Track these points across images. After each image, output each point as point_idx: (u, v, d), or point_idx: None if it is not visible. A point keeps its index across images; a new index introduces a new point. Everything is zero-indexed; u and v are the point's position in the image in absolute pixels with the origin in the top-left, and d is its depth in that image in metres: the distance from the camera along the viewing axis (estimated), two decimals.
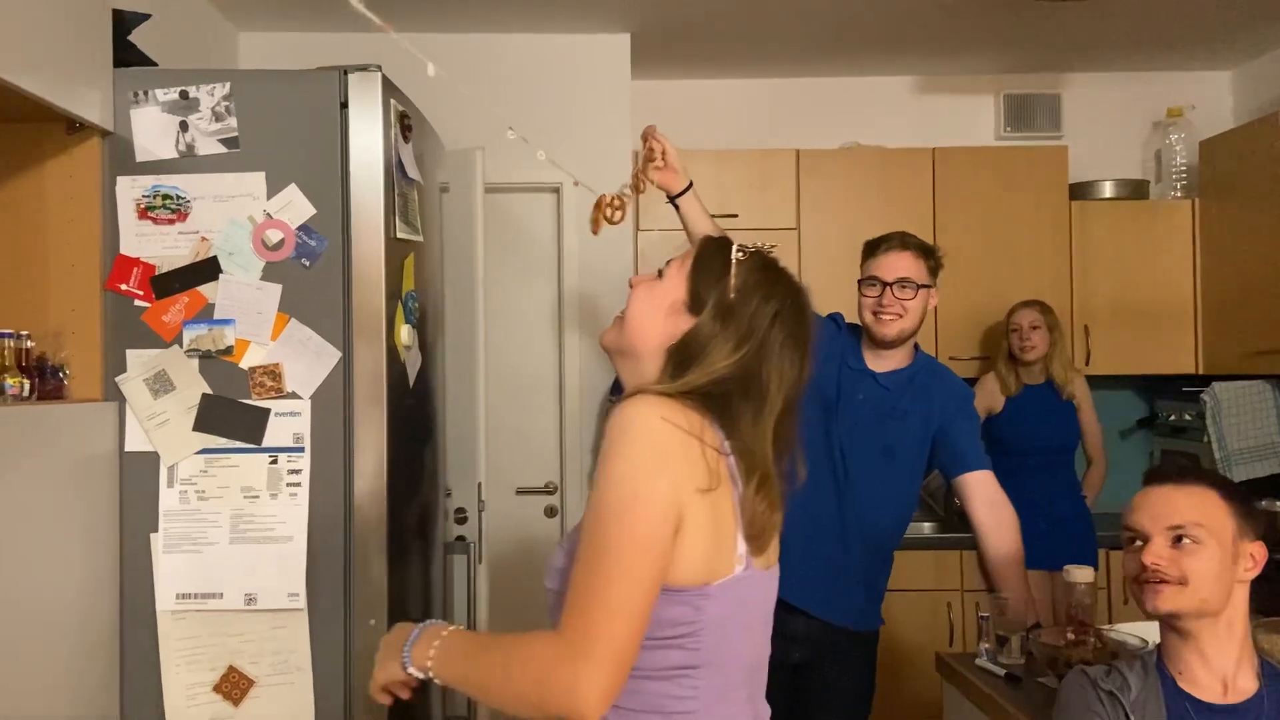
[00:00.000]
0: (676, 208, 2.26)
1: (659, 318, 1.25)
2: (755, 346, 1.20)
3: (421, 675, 1.19)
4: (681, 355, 1.22)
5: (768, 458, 1.21)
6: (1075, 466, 3.58)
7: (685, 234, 2.27)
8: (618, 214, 2.15)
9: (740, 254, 1.25)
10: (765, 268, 1.26)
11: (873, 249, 2.35)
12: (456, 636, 1.20)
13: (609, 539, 1.09)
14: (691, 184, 2.25)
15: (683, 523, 1.12)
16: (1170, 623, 1.50)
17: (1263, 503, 3.26)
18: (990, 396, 3.51)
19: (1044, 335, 3.45)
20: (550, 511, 3.66)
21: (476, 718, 2.70)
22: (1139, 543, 1.51)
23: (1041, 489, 3.34)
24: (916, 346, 2.40)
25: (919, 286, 2.27)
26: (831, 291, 3.56)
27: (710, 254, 1.27)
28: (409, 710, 1.94)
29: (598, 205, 2.17)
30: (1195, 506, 1.48)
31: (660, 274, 1.29)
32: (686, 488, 1.12)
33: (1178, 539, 1.47)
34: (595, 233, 2.18)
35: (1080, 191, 3.87)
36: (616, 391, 3.23)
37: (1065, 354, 3.52)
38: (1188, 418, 3.81)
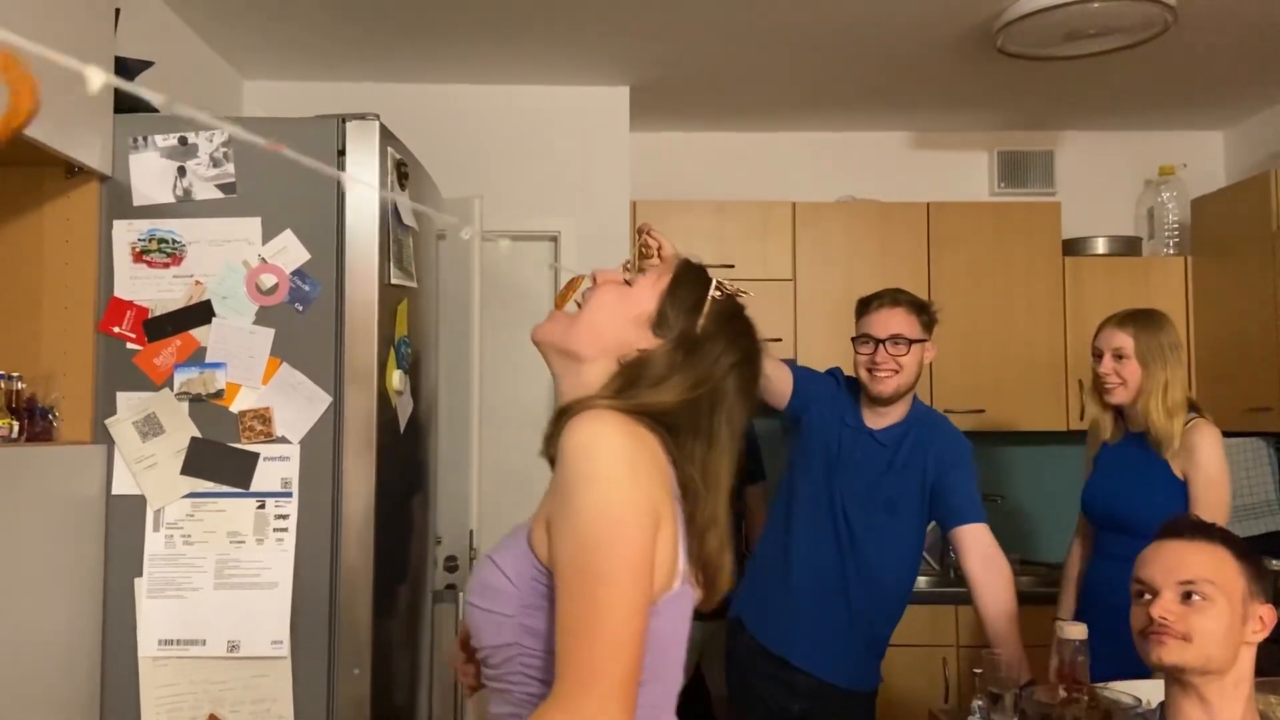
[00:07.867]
0: None
1: (621, 324, 1.23)
2: (708, 391, 1.20)
3: None
4: (634, 375, 1.20)
5: (719, 500, 1.20)
6: None
7: None
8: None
9: (717, 292, 1.25)
10: (734, 315, 1.26)
11: (865, 306, 2.36)
12: None
13: (599, 570, 1.05)
14: None
15: (658, 533, 1.10)
16: (1174, 676, 1.48)
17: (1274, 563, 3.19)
18: (1092, 446, 2.64)
19: (1134, 368, 2.40)
20: None
21: None
22: (1148, 596, 1.50)
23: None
24: (915, 397, 2.40)
25: (911, 342, 2.28)
26: (827, 342, 3.61)
27: (690, 281, 1.26)
28: None
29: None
30: (1207, 563, 1.46)
31: (628, 282, 1.28)
32: (659, 497, 1.11)
33: (1187, 595, 1.45)
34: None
35: (1073, 247, 3.90)
36: None
37: (1173, 392, 2.37)
38: None
